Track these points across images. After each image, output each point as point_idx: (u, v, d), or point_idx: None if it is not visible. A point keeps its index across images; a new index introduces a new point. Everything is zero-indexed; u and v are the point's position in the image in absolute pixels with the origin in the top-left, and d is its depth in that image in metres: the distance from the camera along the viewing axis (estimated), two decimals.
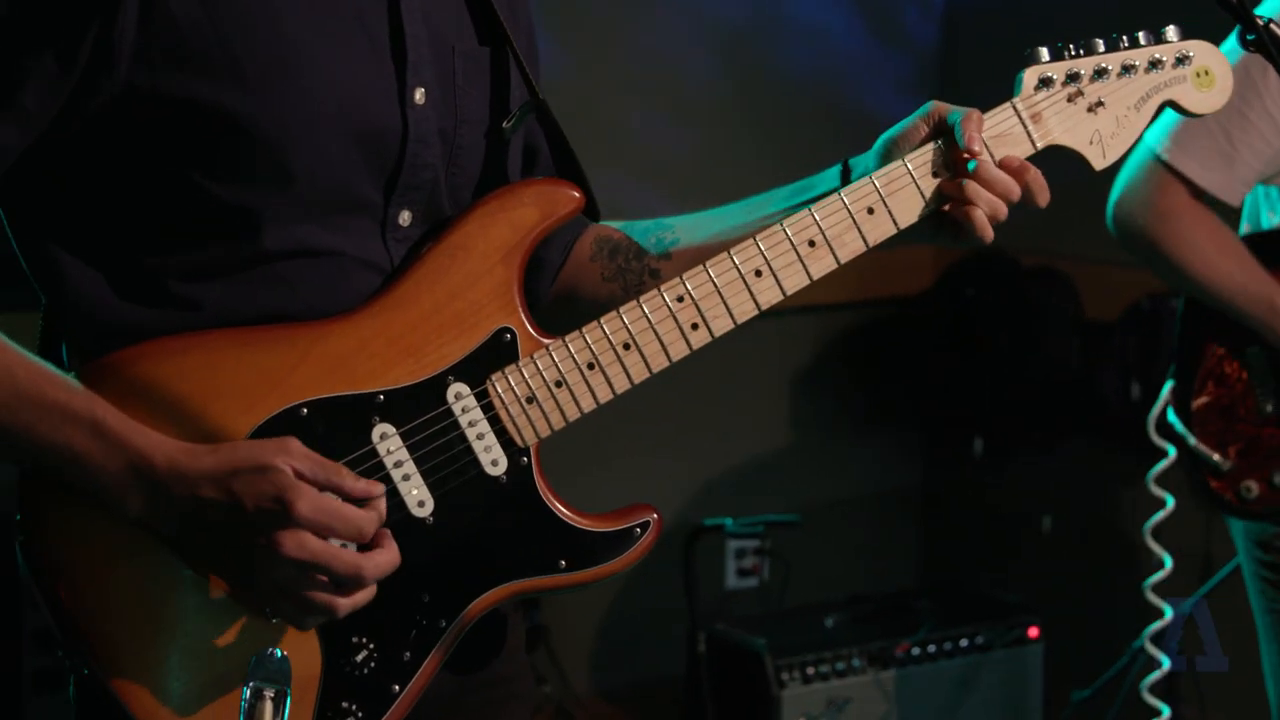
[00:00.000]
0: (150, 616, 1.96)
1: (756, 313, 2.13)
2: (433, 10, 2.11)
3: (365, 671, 2.01)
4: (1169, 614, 3.95)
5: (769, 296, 2.13)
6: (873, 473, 5.87)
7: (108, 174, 2.00)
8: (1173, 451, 3.25)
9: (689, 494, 5.33)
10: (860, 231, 2.13)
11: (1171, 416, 3.19)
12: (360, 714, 2.01)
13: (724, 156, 5.39)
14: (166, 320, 2.00)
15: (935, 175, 2.14)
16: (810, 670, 4.26)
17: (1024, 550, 5.53)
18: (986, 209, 2.11)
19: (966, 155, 2.12)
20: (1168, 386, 3.23)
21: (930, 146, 2.15)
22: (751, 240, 2.12)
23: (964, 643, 4.44)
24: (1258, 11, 2.77)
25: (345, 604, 1.92)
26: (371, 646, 2.01)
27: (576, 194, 2.14)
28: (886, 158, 2.16)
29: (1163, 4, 2.51)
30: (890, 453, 5.89)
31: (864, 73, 5.68)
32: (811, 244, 2.12)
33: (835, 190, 2.15)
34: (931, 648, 4.41)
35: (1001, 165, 2.13)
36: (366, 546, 1.96)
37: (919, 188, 2.14)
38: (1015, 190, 2.13)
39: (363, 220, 2.07)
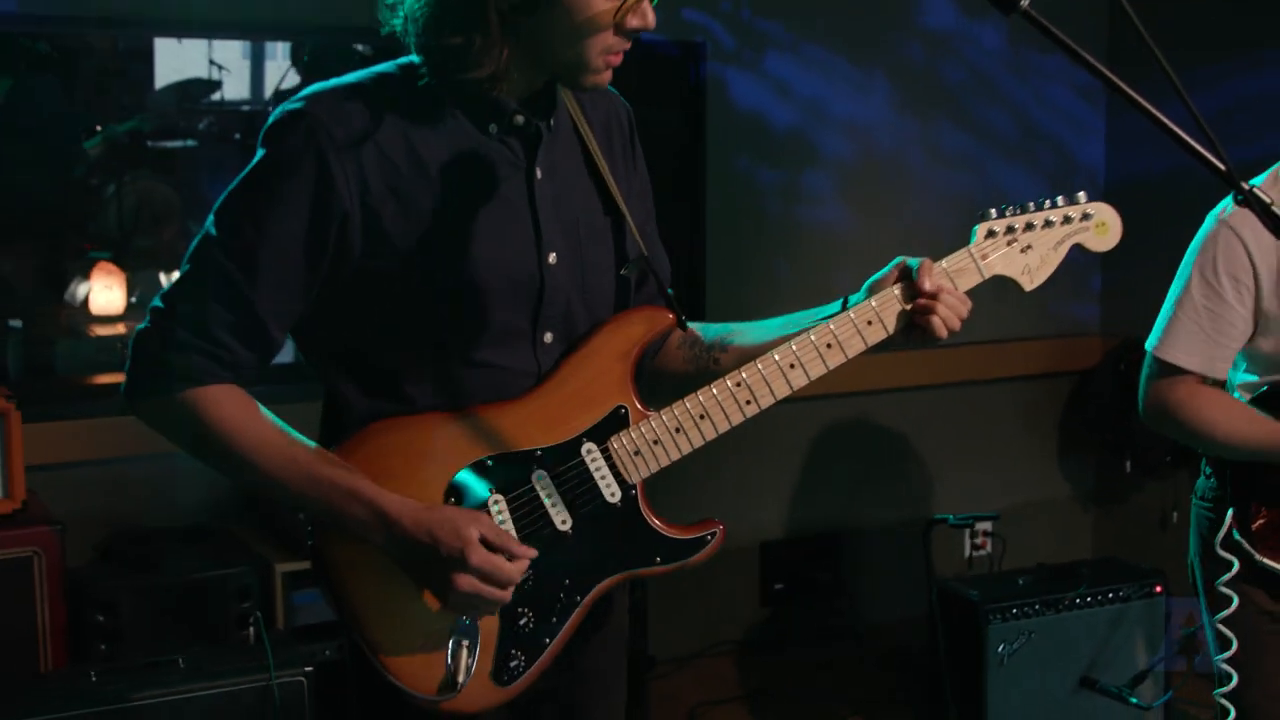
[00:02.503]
0: (387, 597, 1.95)
1: (789, 393, 2.06)
2: (561, 194, 2.04)
3: (527, 631, 2.00)
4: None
5: (799, 382, 2.06)
6: (1062, 482, 5.78)
7: (360, 321, 1.97)
8: (1236, 564, 2.81)
9: (932, 496, 5.34)
10: (862, 337, 2.07)
11: (1237, 536, 2.81)
12: (523, 658, 2.00)
13: None
14: (398, 409, 1.98)
15: (908, 300, 2.06)
16: (1007, 613, 4.15)
17: (1158, 535, 5.43)
18: (943, 318, 2.03)
19: (925, 289, 2.03)
20: (1229, 513, 2.82)
21: (901, 284, 2.07)
22: (788, 344, 2.05)
23: (1111, 596, 4.30)
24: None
25: (491, 612, 1.95)
26: (531, 615, 2.00)
27: (670, 317, 2.08)
28: (871, 294, 2.08)
29: None
30: (1073, 471, 5.78)
31: (1084, 192, 5.61)
32: (829, 345, 2.06)
33: (841, 312, 2.08)
34: (1089, 599, 4.27)
35: (946, 293, 2.05)
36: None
37: (901, 306, 2.06)
38: (952, 315, 2.05)
39: (520, 341, 2.02)
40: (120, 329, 5.21)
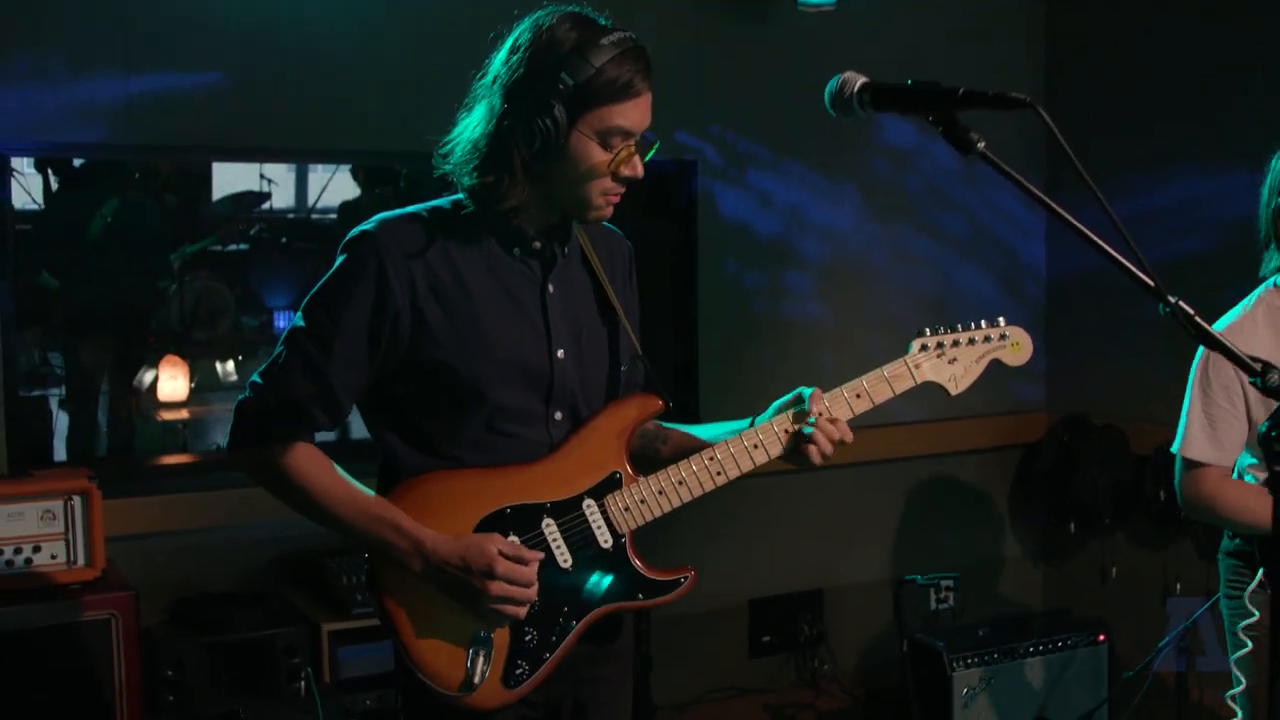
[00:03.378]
0: (423, 613, 2.14)
1: (752, 468, 2.23)
2: (568, 305, 2.23)
3: (531, 646, 2.17)
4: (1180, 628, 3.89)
5: (760, 459, 2.22)
6: (1014, 542, 5.77)
7: (411, 397, 2.16)
8: (1257, 614, 2.90)
9: (901, 558, 5.33)
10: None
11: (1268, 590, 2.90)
12: (527, 667, 2.17)
13: None
14: (439, 465, 2.16)
15: (797, 422, 2.24)
16: (969, 661, 4.20)
17: (1099, 588, 5.42)
18: (818, 446, 2.21)
19: (811, 414, 2.22)
20: (1260, 572, 2.91)
21: (795, 409, 2.25)
22: (752, 430, 2.23)
23: (1060, 644, 4.34)
24: None
25: (522, 614, 2.11)
26: (535, 634, 2.17)
27: (660, 403, 2.27)
28: (775, 414, 2.26)
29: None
30: (1023, 532, 5.78)
31: (1001, 315, 5.64)
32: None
33: (760, 423, 2.25)
34: (1042, 647, 4.31)
35: (832, 421, 2.22)
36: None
37: (793, 427, 2.23)
38: (834, 436, 2.22)
39: (535, 418, 2.20)
40: (184, 414, 5.25)
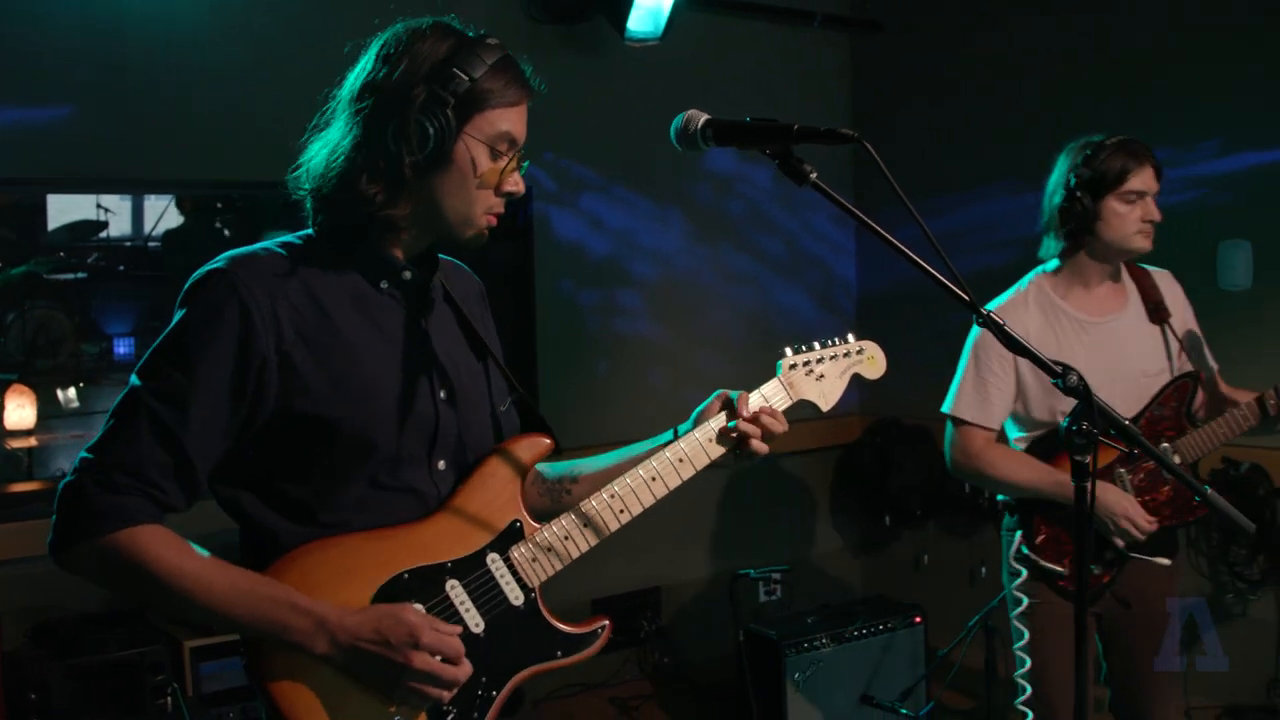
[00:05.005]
0: (322, 703, 1.84)
1: (654, 501, 2.07)
2: (442, 342, 2.00)
3: None
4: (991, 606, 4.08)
5: (659, 492, 2.08)
6: (835, 536, 5.95)
7: (278, 456, 1.87)
8: (1025, 572, 3.12)
9: (732, 554, 5.44)
10: (706, 452, 2.10)
11: (1025, 550, 3.10)
12: None
13: (749, 368, 5.45)
14: (317, 533, 1.88)
15: (731, 422, 2.10)
16: (800, 647, 4.27)
17: (913, 575, 5.64)
18: (759, 436, 2.08)
19: (744, 415, 2.09)
20: (1018, 534, 3.12)
21: (726, 411, 2.11)
22: (650, 460, 2.07)
23: (881, 627, 4.44)
24: None
25: (446, 697, 1.87)
26: (455, 711, 1.92)
27: (549, 441, 2.07)
28: (699, 421, 2.12)
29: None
30: (843, 526, 5.96)
31: (817, 328, 5.75)
32: (680, 460, 2.08)
33: (684, 434, 2.11)
34: (865, 630, 4.41)
35: (764, 412, 2.09)
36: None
37: (727, 430, 2.10)
38: (774, 427, 2.10)
39: (418, 467, 1.95)
40: (31, 441, 5.10)
